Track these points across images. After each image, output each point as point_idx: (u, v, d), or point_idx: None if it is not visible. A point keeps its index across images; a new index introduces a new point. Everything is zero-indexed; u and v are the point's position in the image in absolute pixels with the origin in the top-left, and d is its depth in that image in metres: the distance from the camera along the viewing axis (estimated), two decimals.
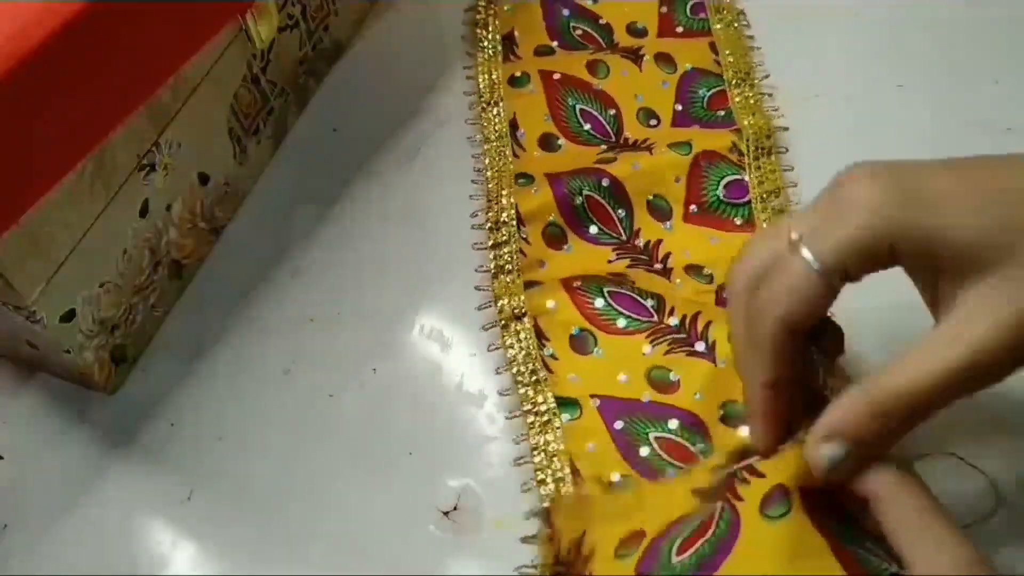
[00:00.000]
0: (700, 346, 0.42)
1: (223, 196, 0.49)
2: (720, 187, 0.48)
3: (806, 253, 0.30)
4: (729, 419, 0.40)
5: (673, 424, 0.40)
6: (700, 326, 0.42)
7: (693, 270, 0.46)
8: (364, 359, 0.45)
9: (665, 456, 0.40)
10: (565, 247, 0.48)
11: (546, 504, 0.39)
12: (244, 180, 0.51)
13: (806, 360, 0.34)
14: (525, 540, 0.38)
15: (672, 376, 0.42)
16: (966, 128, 0.50)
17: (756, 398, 0.33)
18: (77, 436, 0.44)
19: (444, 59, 0.57)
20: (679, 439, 0.40)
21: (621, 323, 0.43)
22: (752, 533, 0.32)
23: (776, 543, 0.32)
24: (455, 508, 0.40)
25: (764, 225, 0.47)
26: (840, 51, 0.55)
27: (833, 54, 0.55)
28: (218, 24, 0.44)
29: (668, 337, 0.43)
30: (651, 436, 0.40)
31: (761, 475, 0.34)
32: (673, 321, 0.43)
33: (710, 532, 0.33)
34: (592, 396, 0.42)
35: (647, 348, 0.43)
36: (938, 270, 0.30)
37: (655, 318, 0.43)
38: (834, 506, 0.33)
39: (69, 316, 0.41)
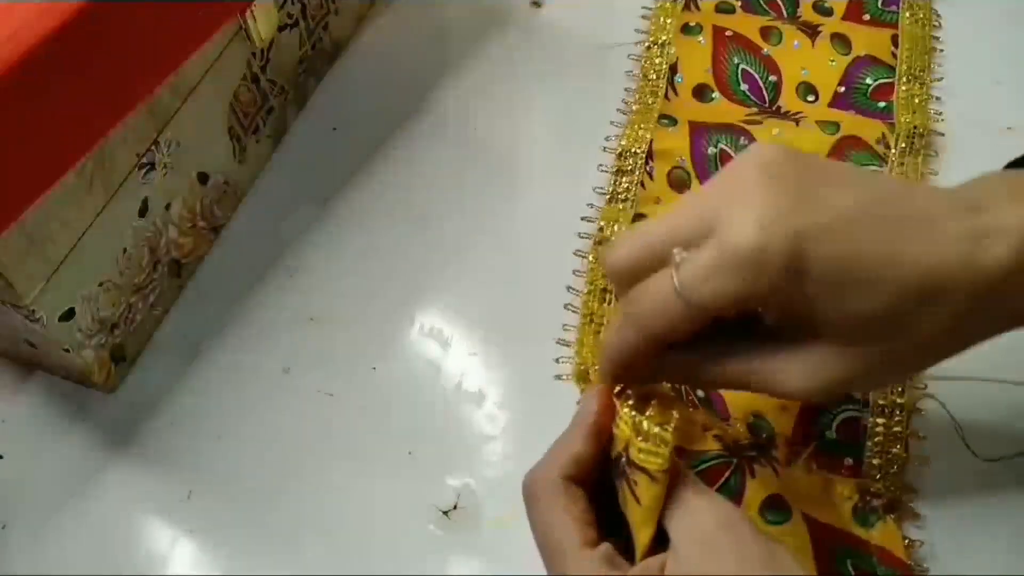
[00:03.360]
0: None
1: (222, 195, 0.49)
2: None
3: (676, 281, 0.30)
4: (752, 428, 0.40)
5: (699, 392, 0.41)
6: None
7: None
8: (364, 358, 0.45)
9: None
10: (687, 192, 0.48)
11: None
12: (243, 179, 0.51)
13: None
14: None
15: None
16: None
17: (606, 367, 0.33)
18: (76, 435, 0.44)
19: (444, 59, 0.57)
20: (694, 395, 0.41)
21: None
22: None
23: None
24: (455, 507, 0.40)
25: None
26: None
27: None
28: (217, 23, 0.44)
29: None
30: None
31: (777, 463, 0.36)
32: None
33: (715, 488, 0.34)
34: None
35: None
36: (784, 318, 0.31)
37: None
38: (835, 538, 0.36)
39: (68, 315, 0.41)
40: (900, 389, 0.41)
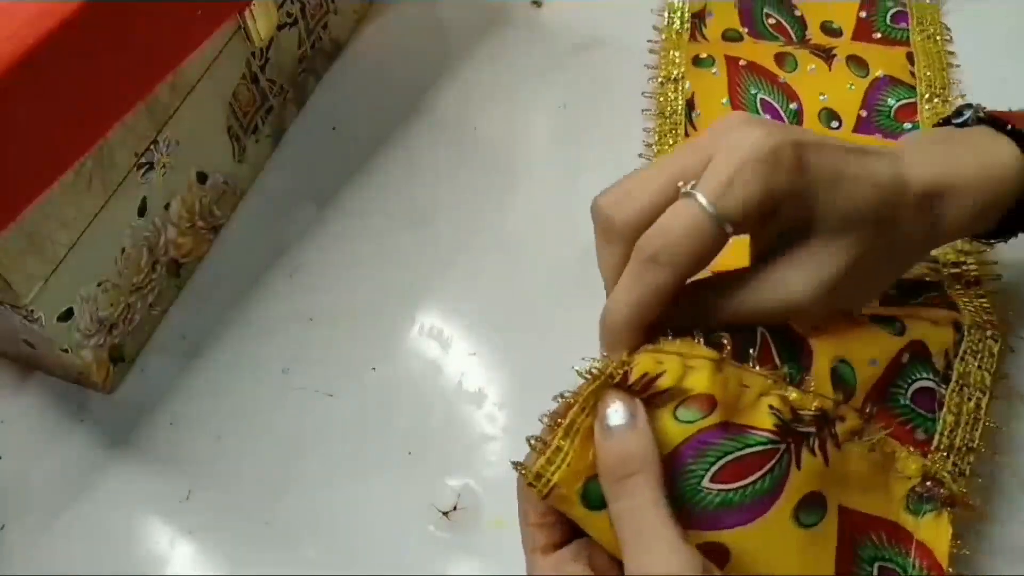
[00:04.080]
0: None
1: (222, 195, 0.49)
2: None
3: (702, 199, 0.31)
4: (836, 375, 0.35)
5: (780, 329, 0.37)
6: None
7: None
8: (363, 358, 0.45)
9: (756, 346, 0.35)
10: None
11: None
12: (243, 179, 0.51)
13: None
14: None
15: None
16: None
17: (622, 332, 0.34)
18: (75, 435, 0.44)
19: (443, 58, 0.57)
20: (771, 343, 0.36)
21: None
22: (777, 522, 0.32)
23: (791, 546, 0.31)
24: (455, 508, 0.40)
25: None
26: None
27: None
28: (216, 22, 0.44)
29: None
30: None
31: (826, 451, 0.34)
32: None
33: (754, 478, 0.32)
34: None
35: None
36: (788, 226, 0.34)
37: None
38: (862, 533, 0.34)
39: (67, 315, 0.41)
40: (980, 365, 0.38)
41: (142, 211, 0.43)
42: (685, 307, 0.34)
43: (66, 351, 0.41)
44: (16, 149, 0.35)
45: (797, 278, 0.34)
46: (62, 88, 0.35)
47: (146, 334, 0.46)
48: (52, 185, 0.37)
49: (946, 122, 0.40)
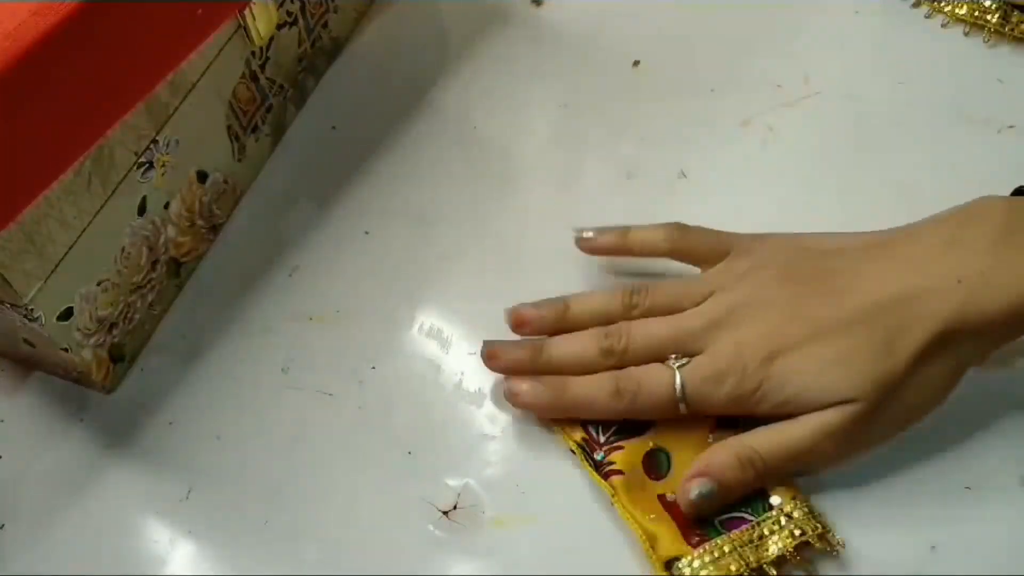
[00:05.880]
0: None
1: (221, 194, 0.49)
2: None
3: (678, 382, 0.38)
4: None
5: None
6: None
7: None
8: (363, 357, 0.45)
9: None
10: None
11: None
12: (243, 178, 0.51)
13: None
14: None
15: None
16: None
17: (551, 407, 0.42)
18: (75, 435, 0.44)
19: (444, 57, 0.57)
20: None
21: None
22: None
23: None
24: (454, 508, 0.40)
25: None
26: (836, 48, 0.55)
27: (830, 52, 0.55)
28: (216, 21, 0.44)
29: None
30: None
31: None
32: None
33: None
34: None
35: None
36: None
37: None
38: None
39: (67, 314, 0.41)
40: None
41: (142, 210, 0.43)
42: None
43: (66, 350, 0.41)
44: (16, 148, 0.35)
45: (796, 431, 0.37)
46: (62, 87, 0.35)
47: (146, 333, 0.46)
48: (52, 185, 0.37)
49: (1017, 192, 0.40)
